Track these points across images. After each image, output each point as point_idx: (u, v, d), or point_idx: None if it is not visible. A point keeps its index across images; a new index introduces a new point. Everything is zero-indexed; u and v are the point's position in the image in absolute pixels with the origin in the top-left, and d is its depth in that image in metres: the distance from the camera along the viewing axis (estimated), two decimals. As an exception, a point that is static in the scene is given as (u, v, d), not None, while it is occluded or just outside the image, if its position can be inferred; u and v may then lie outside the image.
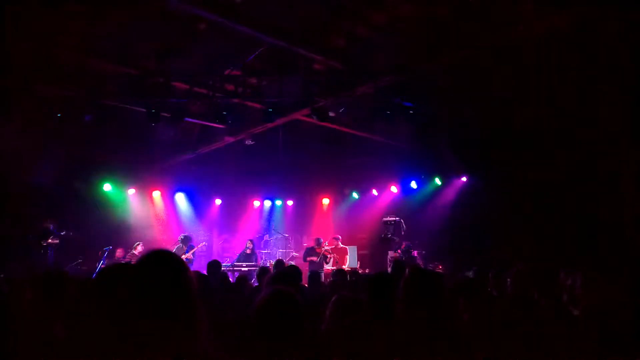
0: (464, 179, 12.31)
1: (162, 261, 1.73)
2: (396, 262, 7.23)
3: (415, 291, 2.46)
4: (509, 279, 4.32)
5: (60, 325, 2.08)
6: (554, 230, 9.38)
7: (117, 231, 11.73)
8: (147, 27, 7.42)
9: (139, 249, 10.96)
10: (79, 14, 7.06)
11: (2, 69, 7.56)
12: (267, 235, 14.53)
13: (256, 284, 6.91)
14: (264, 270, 6.32)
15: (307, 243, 13.70)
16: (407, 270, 2.65)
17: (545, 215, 9.67)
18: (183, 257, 10.82)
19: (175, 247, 11.36)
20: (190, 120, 9.98)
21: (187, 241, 11.52)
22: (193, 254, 11.41)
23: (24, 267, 9.23)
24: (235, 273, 10.61)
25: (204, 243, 12.24)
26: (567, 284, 3.43)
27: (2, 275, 7.14)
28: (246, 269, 10.97)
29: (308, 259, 11.36)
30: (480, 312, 3.20)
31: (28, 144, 9.87)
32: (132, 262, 9.08)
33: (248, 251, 11.80)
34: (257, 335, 2.04)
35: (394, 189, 13.63)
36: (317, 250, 11.39)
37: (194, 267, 10.84)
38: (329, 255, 11.36)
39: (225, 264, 10.84)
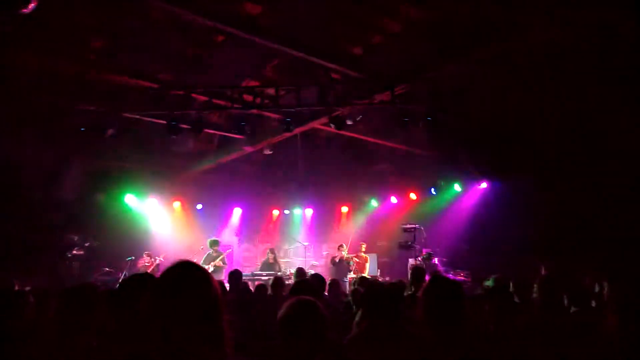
0: (483, 185, 12.17)
1: (187, 272, 1.73)
2: (415, 269, 7.11)
3: (436, 299, 2.42)
4: (535, 285, 4.22)
5: (91, 337, 2.12)
6: (577, 236, 9.19)
7: (140, 241, 11.88)
8: (167, 41, 7.56)
9: (146, 258, 10.92)
10: (99, 29, 7.25)
11: (26, 85, 7.78)
12: (287, 244, 14.54)
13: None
14: (278, 280, 6.23)
15: (327, 251, 13.70)
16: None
17: (567, 221, 9.50)
18: (212, 264, 10.91)
19: (206, 253, 11.26)
20: (209, 131, 10.09)
21: (216, 245, 11.33)
22: (223, 260, 11.21)
23: (50, 279, 9.39)
24: (256, 282, 10.61)
25: (230, 250, 12.18)
26: (595, 291, 3.35)
27: (28, 288, 7.28)
28: (266, 277, 10.96)
29: (333, 259, 11.54)
30: (506, 320, 3.15)
31: (52, 158, 10.11)
32: (148, 271, 9.11)
33: (271, 260, 11.80)
34: (281, 346, 2.04)
35: (413, 196, 13.53)
36: (340, 257, 11.41)
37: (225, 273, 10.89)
38: (351, 262, 11.36)
39: (245, 274, 10.86)
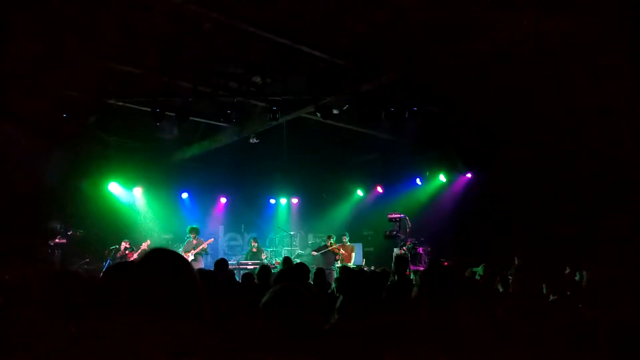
0: (468, 175, 12.27)
1: (163, 259, 1.75)
2: (398, 258, 7.14)
3: (435, 285, 2.45)
4: (509, 276, 4.32)
5: (71, 323, 2.11)
6: (558, 226, 9.35)
7: (123, 230, 11.77)
8: (152, 26, 7.43)
9: (123, 245, 10.65)
10: (84, 13, 7.10)
11: (8, 69, 7.61)
12: (273, 234, 14.54)
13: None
14: (264, 268, 6.25)
15: (313, 241, 13.78)
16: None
17: (549, 212, 9.64)
18: (193, 251, 10.81)
19: (186, 240, 11.17)
20: (194, 118, 10.00)
21: (195, 232, 11.17)
22: (206, 249, 11.10)
23: (31, 267, 9.27)
24: (241, 271, 10.60)
25: (212, 239, 12.13)
26: (574, 280, 3.41)
27: (7, 277, 7.18)
28: (252, 267, 10.97)
29: (313, 252, 11.72)
30: (488, 308, 3.20)
31: (34, 144, 9.94)
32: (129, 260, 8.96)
33: (254, 250, 11.81)
34: (264, 331, 2.05)
35: (398, 186, 13.59)
36: (328, 246, 11.45)
37: (209, 261, 10.85)
38: (337, 252, 11.40)
39: (231, 262, 10.83)
